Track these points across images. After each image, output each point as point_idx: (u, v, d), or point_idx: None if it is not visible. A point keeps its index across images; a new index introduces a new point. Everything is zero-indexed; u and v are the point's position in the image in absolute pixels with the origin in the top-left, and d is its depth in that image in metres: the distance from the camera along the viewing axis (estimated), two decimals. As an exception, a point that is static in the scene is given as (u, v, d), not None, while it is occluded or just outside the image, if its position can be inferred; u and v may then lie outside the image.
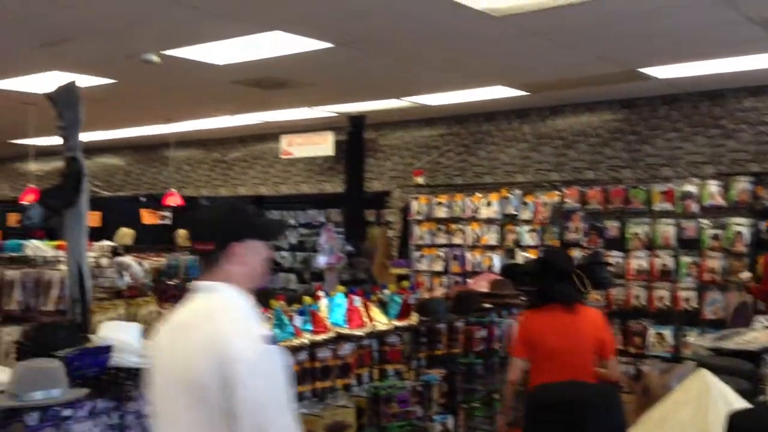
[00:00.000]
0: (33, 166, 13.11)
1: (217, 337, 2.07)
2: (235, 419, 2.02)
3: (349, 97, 8.82)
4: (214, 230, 2.28)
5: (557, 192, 8.40)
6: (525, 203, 8.61)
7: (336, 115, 9.92)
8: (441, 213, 9.11)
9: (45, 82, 6.73)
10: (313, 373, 3.81)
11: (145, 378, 2.32)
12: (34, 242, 6.76)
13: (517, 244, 8.62)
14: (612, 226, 7.94)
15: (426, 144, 10.44)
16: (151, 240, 9.76)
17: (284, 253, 14.32)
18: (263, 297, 3.89)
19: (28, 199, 9.52)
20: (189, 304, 2.24)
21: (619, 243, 7.83)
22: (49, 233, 7.69)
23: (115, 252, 6.92)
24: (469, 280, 7.76)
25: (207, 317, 2.15)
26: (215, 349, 2.04)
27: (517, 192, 8.75)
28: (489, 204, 8.78)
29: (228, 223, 2.30)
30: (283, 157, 11.36)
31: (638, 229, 7.71)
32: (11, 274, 5.99)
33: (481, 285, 5.76)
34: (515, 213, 8.68)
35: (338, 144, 10.67)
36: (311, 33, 5.70)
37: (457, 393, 4.73)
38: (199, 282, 2.26)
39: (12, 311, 5.90)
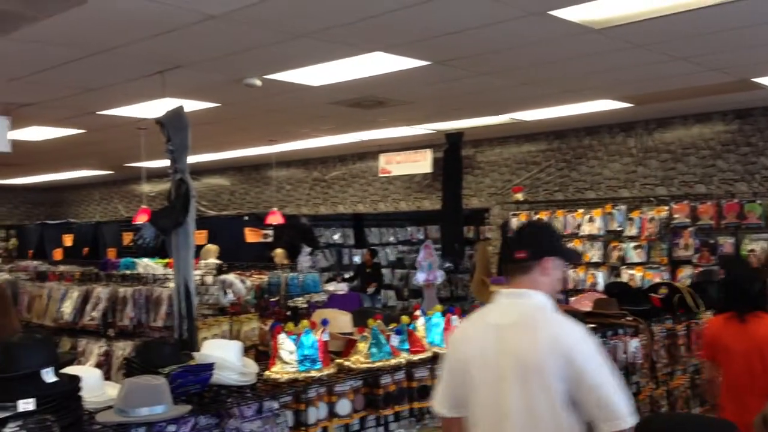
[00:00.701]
0: (145, 188, 13.79)
1: (560, 334, 2.52)
2: (572, 398, 2.47)
3: (446, 115, 8.79)
4: (533, 243, 2.68)
5: (665, 207, 8.05)
6: (630, 219, 8.30)
7: (433, 132, 9.91)
8: (542, 230, 8.90)
9: (156, 108, 7.06)
10: (410, 393, 3.77)
11: (455, 366, 2.75)
12: (146, 260, 7.07)
13: (623, 261, 8.30)
14: (726, 243, 7.52)
15: (525, 160, 10.25)
16: (253, 258, 10.02)
17: (384, 270, 14.40)
18: (361, 316, 3.91)
19: (141, 220, 9.99)
20: (502, 307, 2.69)
21: (734, 260, 7.40)
22: (162, 251, 8.03)
23: (219, 270, 7.13)
24: (571, 299, 7.52)
25: (541, 318, 2.60)
26: (560, 344, 2.49)
27: (622, 207, 8.44)
28: (591, 220, 8.51)
29: (545, 240, 2.74)
30: (382, 175, 11.45)
31: (755, 245, 7.27)
32: (124, 290, 6.26)
33: (584, 304, 5.55)
34: (620, 229, 8.38)
35: (436, 161, 10.65)
36: (409, 52, 5.71)
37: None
38: (511, 289, 2.68)
39: (125, 327, 6.16)
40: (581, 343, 2.52)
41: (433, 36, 5.26)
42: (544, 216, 8.89)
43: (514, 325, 2.60)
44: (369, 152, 11.86)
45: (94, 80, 6.54)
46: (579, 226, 8.60)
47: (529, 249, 2.65)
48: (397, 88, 7.04)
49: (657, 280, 7.08)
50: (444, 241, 10.86)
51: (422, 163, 10.76)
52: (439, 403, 2.83)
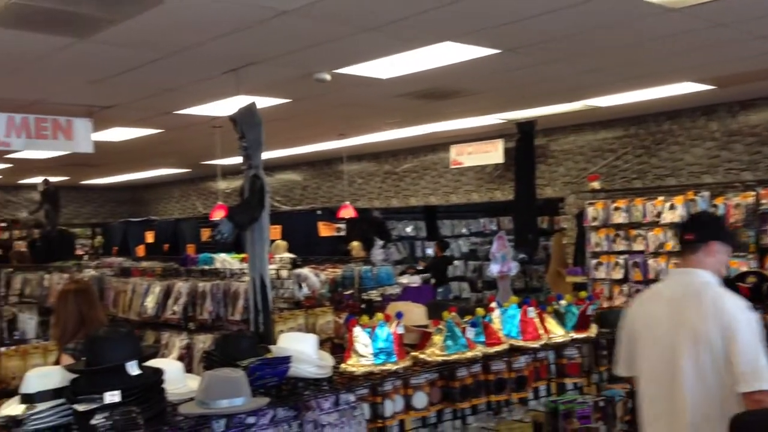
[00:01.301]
0: (221, 185, 14.10)
1: (720, 304, 2.95)
2: (729, 361, 2.86)
3: (518, 104, 8.64)
4: (701, 228, 3.16)
5: (752, 192, 7.69)
6: (714, 206, 7.96)
7: (504, 121, 9.77)
8: (619, 218, 8.64)
9: (229, 106, 7.19)
10: (487, 386, 3.73)
11: (633, 334, 3.24)
12: (223, 255, 7.21)
13: (706, 249, 7.97)
14: (818, 229, 7.13)
15: (601, 147, 9.99)
16: (327, 251, 10.11)
17: (456, 262, 14.32)
18: (435, 308, 3.88)
19: (217, 216, 10.22)
20: (673, 282, 3.24)
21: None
22: (238, 247, 8.18)
23: (294, 264, 7.21)
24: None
25: (706, 291, 3.01)
26: (720, 312, 2.92)
27: (705, 194, 8.11)
28: (673, 208, 8.20)
29: (712, 226, 3.26)
30: (453, 166, 11.36)
31: None
32: (203, 285, 6.41)
33: (666, 295, 5.36)
34: (703, 217, 8.06)
35: (507, 151, 10.49)
36: (478, 41, 5.63)
37: (643, 411, 4.43)
38: (680, 268, 3.20)
39: (204, 320, 6.30)
40: (739, 313, 2.92)
41: (502, 23, 5.16)
42: (621, 204, 8.63)
43: (683, 297, 3.06)
44: (440, 144, 11.79)
45: (171, 80, 6.70)
46: (659, 214, 8.30)
47: (697, 233, 3.12)
48: (466, 78, 6.96)
49: (744, 268, 6.76)
50: (517, 231, 10.70)
51: (494, 153, 10.63)
52: (619, 366, 3.36)
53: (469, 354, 3.53)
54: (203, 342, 6.14)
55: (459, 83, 7.20)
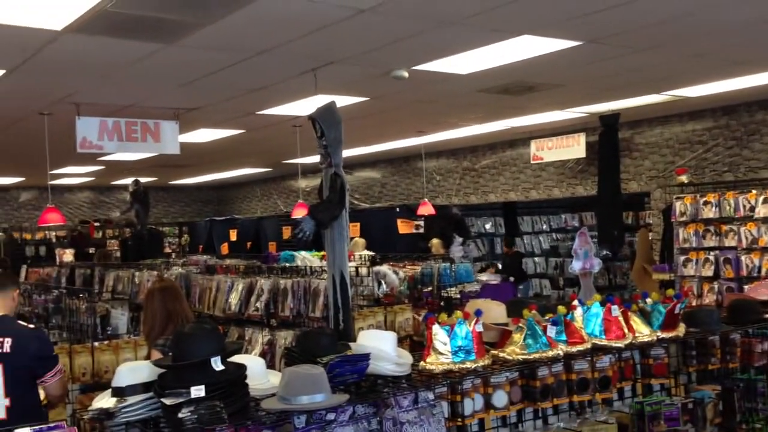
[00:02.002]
0: (301, 183, 14.34)
1: None
2: None
3: (600, 97, 8.42)
4: None
5: None
6: (812, 199, 7.55)
7: (586, 115, 9.54)
8: (709, 213, 8.31)
9: (309, 105, 7.30)
10: (569, 386, 3.64)
11: None
12: (303, 253, 7.32)
13: (805, 246, 7.58)
14: None
15: (689, 139, 9.62)
16: (406, 248, 10.12)
17: (537, 259, 14.10)
18: (515, 306, 3.82)
19: (298, 214, 10.39)
20: None
21: None
22: (318, 244, 8.29)
23: (373, 261, 7.25)
24: (746, 287, 6.98)
25: None
26: None
27: (802, 187, 7.71)
28: (767, 201, 7.83)
29: None
30: (533, 162, 11.18)
31: None
32: (284, 282, 6.51)
33: (761, 292, 5.14)
34: (800, 211, 7.65)
35: (589, 145, 10.24)
36: (559, 33, 5.52)
37: (736, 412, 4.23)
38: None
39: (286, 317, 6.41)
40: None
41: (584, 14, 5.03)
42: (711, 198, 8.29)
43: None
44: (519, 139, 11.62)
45: (253, 82, 6.86)
46: (752, 208, 7.94)
47: None
48: (547, 72, 6.83)
49: None
50: (601, 227, 10.44)
51: (575, 147, 10.40)
52: None
53: (551, 353, 3.45)
54: (284, 338, 6.25)
55: (539, 77, 7.08)
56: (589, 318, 3.79)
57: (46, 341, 3.70)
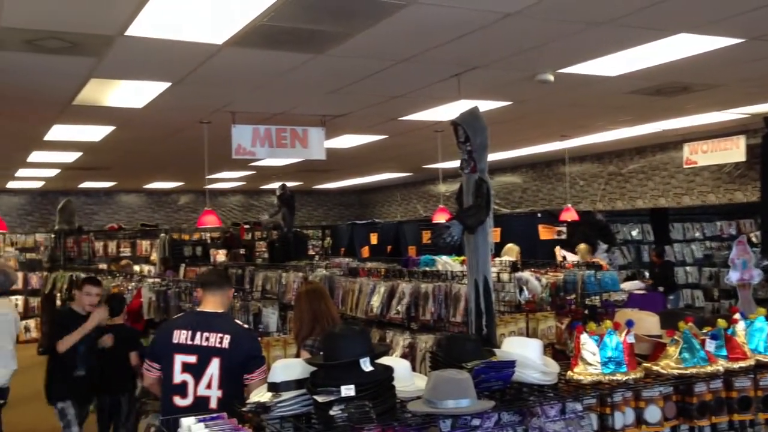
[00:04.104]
0: (441, 188, 14.39)
1: None
2: None
3: (763, 96, 7.86)
4: None
5: None
6: None
7: (747, 116, 8.93)
8: None
9: (451, 110, 7.32)
10: (729, 404, 3.43)
11: None
12: (444, 258, 7.34)
13: None
14: None
15: None
16: (547, 255, 9.90)
17: (688, 268, 13.36)
18: (669, 318, 3.64)
19: (439, 218, 10.43)
20: None
21: None
22: (459, 249, 8.28)
23: (514, 267, 7.15)
24: None
25: None
26: None
27: None
28: None
29: None
30: (686, 166, 10.61)
31: None
32: (425, 286, 6.56)
33: None
34: None
35: (750, 148, 9.58)
36: (718, 31, 5.22)
37: None
38: None
39: (426, 321, 6.45)
40: None
41: (745, 10, 4.73)
42: None
43: None
44: (671, 142, 11.07)
45: (397, 88, 6.98)
46: None
47: None
48: (703, 71, 6.47)
49: None
50: (763, 236, 9.73)
51: (734, 151, 9.76)
52: None
53: (709, 368, 3.26)
54: (425, 342, 6.28)
55: (695, 77, 6.72)
56: (753, 333, 3.56)
57: (257, 341, 3.93)
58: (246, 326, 3.97)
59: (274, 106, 7.69)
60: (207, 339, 3.69)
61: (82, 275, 11.16)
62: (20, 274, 16.25)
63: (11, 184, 15.52)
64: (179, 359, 3.69)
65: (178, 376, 3.67)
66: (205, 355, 3.66)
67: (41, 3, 4.34)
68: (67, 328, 5.81)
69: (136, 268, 11.43)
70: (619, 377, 3.11)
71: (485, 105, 7.51)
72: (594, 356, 3.18)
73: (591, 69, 6.24)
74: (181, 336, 3.72)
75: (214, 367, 3.63)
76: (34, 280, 16.22)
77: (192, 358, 3.66)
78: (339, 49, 5.45)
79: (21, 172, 13.19)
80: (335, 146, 10.37)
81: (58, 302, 12.75)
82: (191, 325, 3.76)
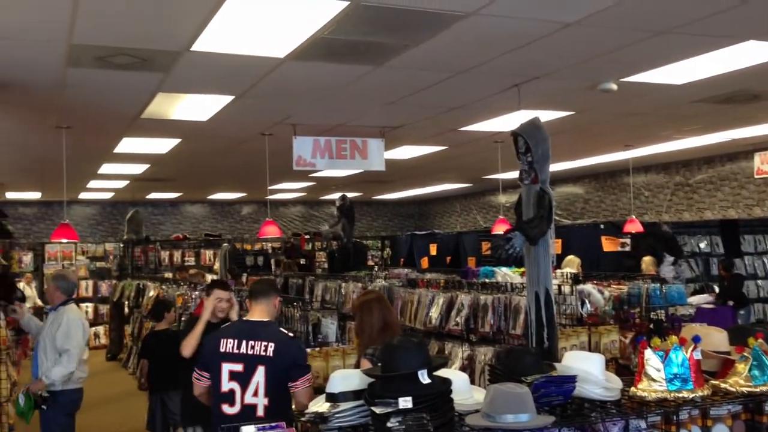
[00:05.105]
0: (501, 199, 14.27)
1: None
2: None
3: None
4: None
5: None
6: None
7: (822, 124, 8.59)
8: None
9: (510, 121, 7.26)
10: (804, 426, 3.28)
11: None
12: (504, 269, 7.27)
13: None
14: None
15: None
16: (610, 267, 9.70)
17: (760, 282, 12.88)
18: (738, 334, 3.51)
19: (498, 229, 10.34)
20: None
21: None
22: (519, 260, 8.19)
23: (576, 279, 7.02)
24: None
25: None
26: None
27: None
28: None
29: None
30: (757, 176, 10.26)
31: None
32: (484, 298, 6.51)
33: None
34: None
35: (826, 157, 9.21)
36: (791, 36, 5.04)
37: None
38: None
39: (485, 333, 6.39)
40: None
41: (821, 14, 4.56)
42: None
43: None
44: (741, 152, 10.72)
45: (456, 99, 6.96)
46: None
47: None
48: (775, 79, 6.26)
49: None
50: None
51: (809, 160, 9.40)
52: None
53: (782, 388, 3.14)
54: (484, 354, 6.23)
55: (766, 84, 6.50)
56: (830, 351, 3.40)
57: (303, 350, 3.98)
58: (291, 335, 4.01)
59: (334, 118, 7.77)
60: (252, 347, 3.74)
61: (149, 283, 11.50)
62: (90, 283, 16.83)
63: (83, 195, 16.08)
64: (226, 368, 3.75)
65: (226, 385, 3.73)
66: (250, 363, 3.71)
67: (111, 21, 4.50)
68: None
69: (209, 277, 11.67)
70: (685, 394, 3.02)
71: (546, 115, 7.43)
72: (659, 372, 3.10)
73: (656, 77, 6.10)
74: (227, 345, 3.79)
75: (259, 375, 3.68)
76: (104, 288, 16.75)
77: (238, 367, 3.72)
78: (398, 61, 5.48)
79: (92, 184, 13.66)
80: (394, 157, 10.41)
81: (126, 310, 13.15)
82: (237, 334, 3.83)
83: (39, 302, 14.00)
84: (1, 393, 5.86)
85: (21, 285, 15.40)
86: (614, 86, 6.24)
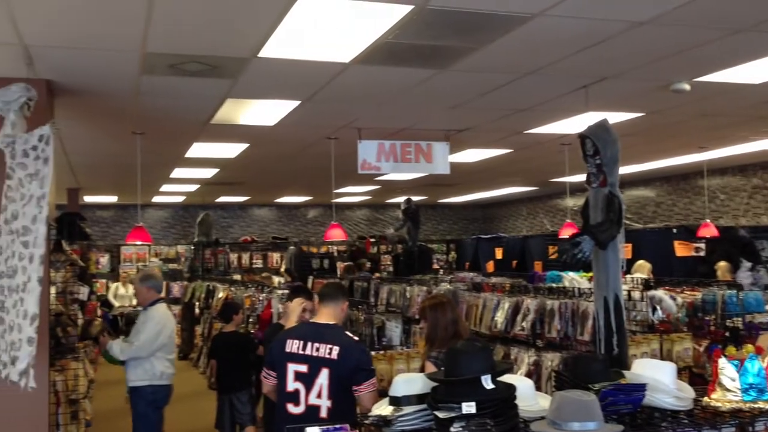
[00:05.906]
0: (569, 202, 14.03)
1: None
2: None
3: None
4: None
5: None
6: None
7: None
8: None
9: (577, 123, 7.14)
10: None
11: None
12: (571, 274, 7.14)
13: None
14: None
15: None
16: (684, 273, 9.41)
17: None
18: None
19: (566, 233, 10.16)
20: None
21: None
22: (587, 265, 8.02)
23: (647, 285, 6.85)
24: None
25: None
26: None
27: None
28: None
29: None
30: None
31: None
32: (551, 303, 6.40)
33: None
34: None
35: None
36: None
37: None
38: None
39: (552, 338, 6.29)
40: None
41: None
42: None
43: None
44: (823, 153, 10.25)
45: (522, 101, 6.89)
46: None
47: None
48: None
49: None
50: None
51: None
52: None
53: None
54: (551, 360, 6.13)
55: None
56: None
57: (367, 354, 4.01)
58: (356, 338, 4.03)
59: (399, 122, 7.79)
60: (317, 349, 3.78)
61: (218, 285, 11.76)
62: (164, 284, 17.33)
63: (156, 199, 16.59)
64: (292, 368, 3.81)
65: (291, 384, 3.79)
66: (315, 365, 3.75)
67: (183, 29, 4.63)
68: None
69: (276, 279, 11.86)
70: (761, 405, 2.91)
71: (615, 117, 7.27)
72: (733, 382, 2.99)
73: (731, 77, 5.90)
74: (293, 345, 3.84)
75: (323, 377, 3.72)
76: (176, 289, 17.23)
77: (303, 368, 3.77)
78: (463, 64, 5.45)
79: (165, 188, 14.07)
80: (459, 160, 10.36)
81: (197, 310, 13.48)
82: (303, 336, 3.87)
83: (135, 302, 14.48)
84: (78, 390, 6.10)
85: (115, 285, 16.07)
86: (687, 86, 6.07)
